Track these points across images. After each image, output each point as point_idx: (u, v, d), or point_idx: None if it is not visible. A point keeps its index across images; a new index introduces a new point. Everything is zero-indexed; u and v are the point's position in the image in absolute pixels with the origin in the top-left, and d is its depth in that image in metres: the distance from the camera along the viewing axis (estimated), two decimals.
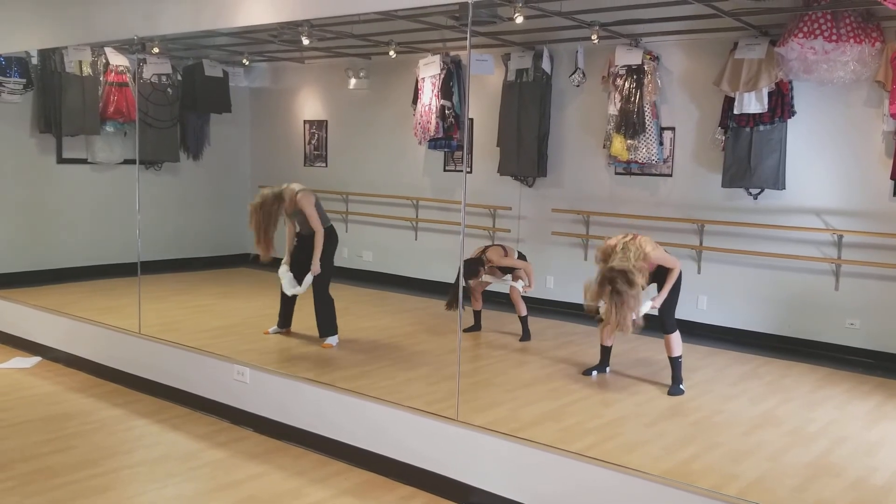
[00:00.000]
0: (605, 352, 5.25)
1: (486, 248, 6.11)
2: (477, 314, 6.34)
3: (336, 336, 5.74)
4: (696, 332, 6.20)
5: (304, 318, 5.97)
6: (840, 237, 5.96)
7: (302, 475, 4.09)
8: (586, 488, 3.47)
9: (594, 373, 5.21)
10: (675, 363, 4.93)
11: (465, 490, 3.80)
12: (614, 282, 4.45)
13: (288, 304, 5.94)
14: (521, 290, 6.03)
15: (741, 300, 6.47)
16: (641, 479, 3.33)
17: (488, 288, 6.29)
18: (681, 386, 4.90)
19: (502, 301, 7.16)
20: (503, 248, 6.11)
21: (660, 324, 4.94)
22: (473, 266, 5.91)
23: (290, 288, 5.78)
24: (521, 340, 6.11)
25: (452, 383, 4.23)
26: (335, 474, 4.12)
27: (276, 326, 5.99)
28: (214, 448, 4.43)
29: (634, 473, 3.36)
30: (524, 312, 6.15)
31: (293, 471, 4.15)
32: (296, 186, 5.71)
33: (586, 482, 3.47)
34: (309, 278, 5.67)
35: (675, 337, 4.93)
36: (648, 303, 4.76)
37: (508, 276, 6.11)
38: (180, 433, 4.67)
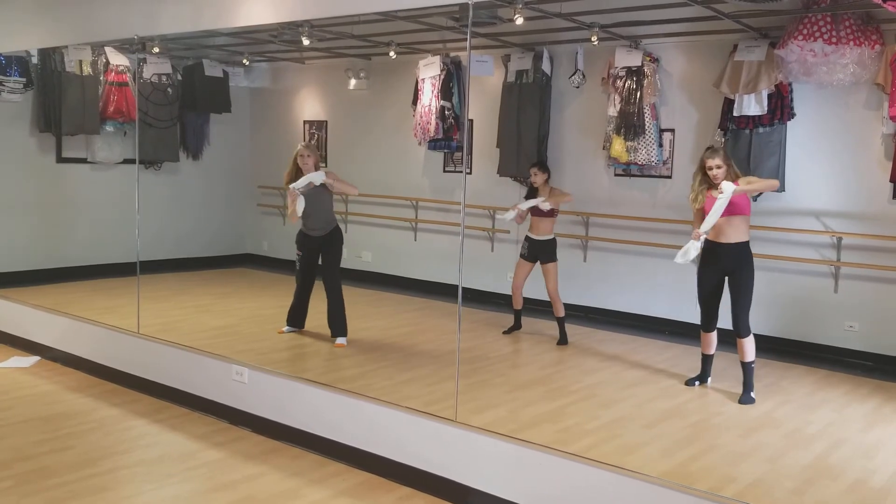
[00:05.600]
0: (707, 361, 5.09)
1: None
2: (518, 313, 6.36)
3: (346, 336, 5.76)
4: (695, 334, 6.19)
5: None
6: (839, 239, 5.97)
7: (300, 476, 4.09)
8: (585, 490, 3.47)
9: (696, 383, 5.08)
10: (747, 369, 4.82)
11: (464, 491, 3.80)
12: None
13: (304, 303, 5.92)
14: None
15: None
16: (640, 480, 3.33)
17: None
18: (752, 394, 4.81)
19: (501, 302, 7.17)
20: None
21: (733, 327, 4.84)
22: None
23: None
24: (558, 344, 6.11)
25: (451, 384, 4.23)
26: (333, 475, 4.12)
27: (289, 326, 5.97)
28: (212, 448, 4.43)
29: (633, 475, 3.36)
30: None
31: (291, 471, 4.14)
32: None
33: (585, 483, 3.46)
34: None
35: (749, 341, 4.83)
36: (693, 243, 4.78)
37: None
38: (178, 433, 4.66)
